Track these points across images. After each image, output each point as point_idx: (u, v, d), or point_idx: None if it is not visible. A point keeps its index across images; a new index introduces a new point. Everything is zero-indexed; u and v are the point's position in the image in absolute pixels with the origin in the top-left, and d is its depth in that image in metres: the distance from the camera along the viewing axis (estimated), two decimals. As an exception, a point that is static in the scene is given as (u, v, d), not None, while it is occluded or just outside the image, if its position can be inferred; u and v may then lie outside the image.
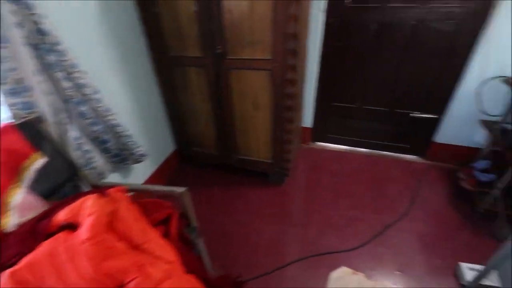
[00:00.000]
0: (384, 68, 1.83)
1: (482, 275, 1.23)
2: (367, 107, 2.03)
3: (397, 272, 1.39)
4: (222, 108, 1.65)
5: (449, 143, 1.95)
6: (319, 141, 2.34)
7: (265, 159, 1.80)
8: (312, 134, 2.31)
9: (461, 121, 1.83)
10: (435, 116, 1.90)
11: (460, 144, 1.93)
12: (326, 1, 1.69)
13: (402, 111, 1.97)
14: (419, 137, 2.04)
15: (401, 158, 2.14)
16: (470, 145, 1.90)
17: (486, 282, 1.25)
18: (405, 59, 1.75)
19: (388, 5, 1.61)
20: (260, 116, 1.61)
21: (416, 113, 1.94)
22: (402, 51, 1.73)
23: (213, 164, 2.04)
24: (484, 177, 1.65)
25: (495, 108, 1.70)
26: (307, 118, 2.20)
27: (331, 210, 1.73)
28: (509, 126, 1.59)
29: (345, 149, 2.26)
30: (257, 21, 1.31)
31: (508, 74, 1.57)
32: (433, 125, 1.95)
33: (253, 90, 1.53)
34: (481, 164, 1.73)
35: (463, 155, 1.92)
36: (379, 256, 1.46)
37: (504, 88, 1.58)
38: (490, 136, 1.66)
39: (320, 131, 2.28)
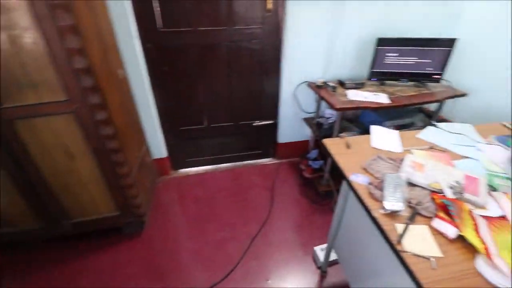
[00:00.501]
0: (217, 86, 1.89)
1: (327, 252, 1.41)
2: (214, 125, 2.07)
3: (268, 281, 1.42)
4: (22, 170, 1.25)
5: (288, 141, 2.24)
6: (181, 168, 2.22)
7: (108, 213, 1.50)
8: (171, 163, 2.16)
9: (291, 121, 2.13)
10: (272, 121, 2.14)
11: (296, 140, 2.25)
12: (137, 28, 1.57)
13: (246, 122, 2.11)
14: (266, 141, 2.25)
15: (258, 163, 2.30)
16: (303, 139, 2.25)
17: (333, 258, 1.44)
18: (232, 75, 1.87)
19: (198, 28, 1.65)
20: (81, 166, 1.31)
21: (257, 122, 2.12)
22: (227, 69, 1.84)
23: (40, 241, 1.55)
24: (315, 164, 1.97)
25: (310, 107, 2.06)
26: (160, 148, 2.03)
27: (199, 241, 1.62)
28: (321, 120, 1.96)
29: (208, 169, 2.23)
30: (30, 58, 1.03)
31: (308, 79, 1.93)
32: (273, 129, 2.19)
33: (59, 139, 1.22)
34: (313, 154, 2.06)
35: (300, 149, 2.25)
36: (251, 272, 1.46)
37: (310, 90, 1.93)
38: (311, 130, 2.00)
39: (178, 158, 2.16)
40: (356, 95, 1.66)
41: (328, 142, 1.13)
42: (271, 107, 2.08)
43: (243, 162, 2.30)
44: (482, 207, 0.80)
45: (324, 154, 1.91)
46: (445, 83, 1.81)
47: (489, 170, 0.97)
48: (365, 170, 0.97)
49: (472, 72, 1.89)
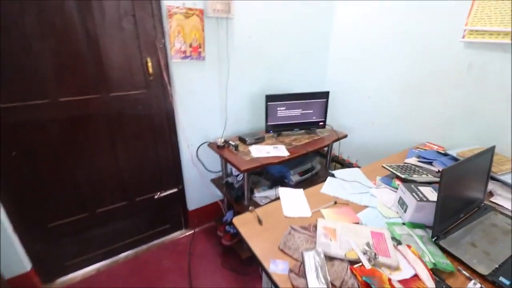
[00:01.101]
0: (98, 162, 1.54)
1: None
2: (102, 209, 1.64)
3: None
4: None
5: (200, 206, 2.01)
6: (58, 278, 1.62)
7: None
8: (40, 276, 1.55)
9: (199, 185, 1.93)
10: (177, 189, 1.89)
11: (208, 203, 2.05)
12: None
13: (144, 197, 1.77)
14: (174, 212, 1.95)
15: (168, 240, 1.94)
16: (216, 200, 2.07)
17: None
18: (116, 147, 1.56)
19: (60, 100, 1.33)
20: None
21: (159, 194, 1.82)
22: (109, 141, 1.53)
23: None
24: (233, 229, 1.80)
25: (216, 166, 1.94)
26: (18, 262, 1.43)
27: None
28: (230, 179, 1.84)
29: (101, 267, 1.72)
30: None
31: (209, 139, 1.82)
32: (180, 196, 1.93)
33: None
34: (228, 216, 1.90)
35: (215, 211, 2.05)
36: None
37: (211, 150, 1.82)
38: (221, 191, 1.86)
39: (50, 265, 1.58)
40: (259, 151, 1.64)
41: (238, 222, 0.99)
42: (172, 174, 1.84)
43: (149, 244, 1.89)
44: (396, 268, 0.79)
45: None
46: (329, 127, 2.04)
47: (386, 217, 1.03)
48: (283, 251, 0.86)
49: (346, 116, 2.22)
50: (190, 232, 2.01)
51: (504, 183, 1.18)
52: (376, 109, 2.00)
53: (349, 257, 0.81)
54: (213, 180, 1.91)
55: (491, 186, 1.19)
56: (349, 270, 0.78)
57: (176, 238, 1.96)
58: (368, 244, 0.84)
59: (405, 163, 1.43)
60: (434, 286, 0.72)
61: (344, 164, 2.25)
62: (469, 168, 0.99)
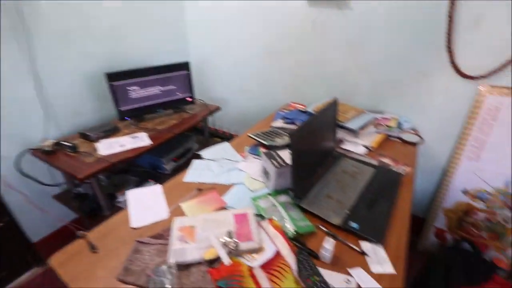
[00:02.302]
0: None
1: None
2: None
3: None
4: None
5: (50, 233, 1.52)
6: None
7: None
8: None
9: (36, 206, 1.42)
10: (3, 223, 1.32)
11: (60, 226, 1.56)
12: None
13: None
14: (10, 252, 1.39)
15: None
16: (72, 218, 1.61)
17: None
18: None
19: None
20: None
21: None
22: None
23: None
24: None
25: (58, 176, 1.45)
26: None
27: None
28: (80, 189, 1.42)
29: None
30: None
31: (31, 146, 1.31)
32: (13, 230, 1.36)
33: None
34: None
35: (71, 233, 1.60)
36: None
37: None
38: (71, 208, 1.42)
39: None
40: (109, 147, 1.29)
41: (57, 262, 0.69)
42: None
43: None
44: (260, 249, 0.71)
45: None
46: (200, 102, 1.85)
47: (253, 190, 0.95)
48: (123, 281, 0.64)
49: (218, 87, 2.08)
50: (43, 269, 1.50)
51: (348, 129, 1.30)
52: (243, 76, 1.92)
53: (208, 257, 0.67)
54: (57, 196, 1.44)
55: (340, 134, 1.30)
56: (207, 275, 0.64)
57: (21, 285, 1.43)
58: (229, 233, 0.72)
59: (271, 127, 1.40)
60: (295, 260, 0.66)
61: (224, 137, 2.16)
62: (318, 123, 1.00)
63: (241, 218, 0.79)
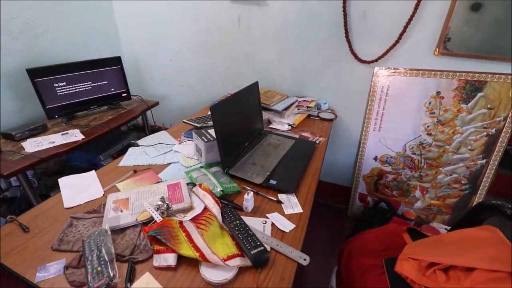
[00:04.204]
0: None
1: None
2: None
3: None
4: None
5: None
6: None
7: None
8: None
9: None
10: None
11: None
12: None
13: None
14: None
15: None
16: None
17: None
18: None
19: None
20: None
21: None
22: None
23: None
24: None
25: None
26: None
27: None
28: (7, 194, 1.34)
29: None
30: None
31: None
32: None
33: None
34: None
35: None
36: None
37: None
38: None
39: None
40: (37, 145, 1.25)
41: (-18, 244, 0.69)
42: None
43: None
44: (190, 208, 0.81)
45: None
46: (137, 98, 1.86)
47: (187, 166, 1.05)
48: (58, 250, 0.68)
49: (156, 83, 2.10)
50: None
51: (275, 111, 1.48)
52: (180, 71, 1.99)
53: (141, 219, 0.75)
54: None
55: (268, 115, 1.47)
56: (141, 233, 0.72)
57: None
58: (162, 199, 0.81)
59: (207, 114, 1.51)
60: (220, 210, 0.78)
61: (168, 133, 2.18)
62: (240, 101, 1.13)
63: (173, 187, 0.88)
